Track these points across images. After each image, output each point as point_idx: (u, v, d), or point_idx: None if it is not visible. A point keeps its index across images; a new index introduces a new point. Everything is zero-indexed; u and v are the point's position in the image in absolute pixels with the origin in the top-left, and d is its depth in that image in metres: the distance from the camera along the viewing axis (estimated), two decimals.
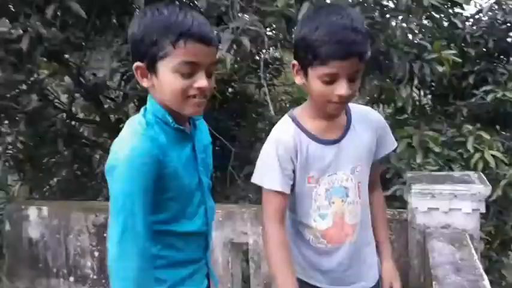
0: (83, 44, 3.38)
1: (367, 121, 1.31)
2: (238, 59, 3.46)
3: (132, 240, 1.04)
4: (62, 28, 3.12)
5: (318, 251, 1.30)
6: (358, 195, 1.28)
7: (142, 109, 1.13)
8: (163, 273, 1.14)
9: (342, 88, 1.14)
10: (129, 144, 1.04)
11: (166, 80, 1.04)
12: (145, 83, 1.08)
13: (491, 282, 3.22)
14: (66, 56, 3.56)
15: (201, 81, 1.04)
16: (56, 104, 3.78)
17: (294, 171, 1.25)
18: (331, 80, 1.14)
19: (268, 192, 1.25)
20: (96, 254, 2.71)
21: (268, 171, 1.24)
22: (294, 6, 2.73)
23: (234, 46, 2.86)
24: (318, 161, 1.25)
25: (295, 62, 1.21)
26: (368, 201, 1.35)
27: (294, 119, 1.28)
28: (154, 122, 1.08)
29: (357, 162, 1.27)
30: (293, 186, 1.27)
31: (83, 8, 2.90)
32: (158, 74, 1.05)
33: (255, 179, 1.30)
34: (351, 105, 1.31)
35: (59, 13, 3.04)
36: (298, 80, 1.22)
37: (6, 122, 3.45)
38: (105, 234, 2.67)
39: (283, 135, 1.25)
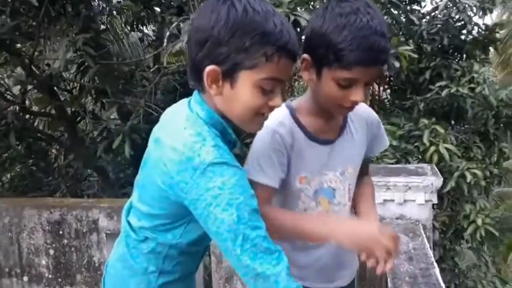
0: (36, 32, 3.22)
1: (363, 119, 1.24)
2: None
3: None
4: (12, 16, 2.97)
5: (297, 247, 1.25)
6: (348, 199, 1.22)
7: (192, 116, 0.94)
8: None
9: (358, 94, 1.06)
10: (215, 150, 0.89)
11: (244, 92, 0.90)
12: (213, 90, 0.90)
13: (445, 269, 3.39)
14: (18, 45, 3.38)
15: (278, 100, 0.93)
16: (7, 96, 3.59)
17: (287, 163, 1.17)
18: (348, 84, 1.06)
19: (257, 185, 1.15)
20: (52, 252, 2.60)
21: (255, 160, 1.15)
22: None
23: None
24: (312, 161, 1.19)
25: (306, 56, 1.09)
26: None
27: (291, 112, 1.19)
28: (214, 135, 0.92)
29: (348, 164, 1.22)
30: (282, 184, 1.18)
31: None
32: (236, 83, 0.90)
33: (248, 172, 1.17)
34: None
35: (9, 0, 2.89)
36: (306, 75, 1.12)
37: None
38: (60, 232, 2.58)
39: (280, 128, 1.15)
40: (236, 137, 1.00)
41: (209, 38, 0.87)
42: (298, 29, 2.78)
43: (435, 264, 1.58)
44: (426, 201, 1.95)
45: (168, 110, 1.03)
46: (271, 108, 0.94)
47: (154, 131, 1.01)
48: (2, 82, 3.61)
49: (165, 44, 2.96)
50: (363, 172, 1.30)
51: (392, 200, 1.98)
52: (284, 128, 1.15)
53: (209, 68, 0.88)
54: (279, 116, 1.16)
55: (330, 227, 1.10)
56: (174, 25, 2.93)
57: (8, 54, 3.38)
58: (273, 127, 1.14)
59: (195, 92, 0.98)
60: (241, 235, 0.86)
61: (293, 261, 1.15)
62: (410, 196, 1.95)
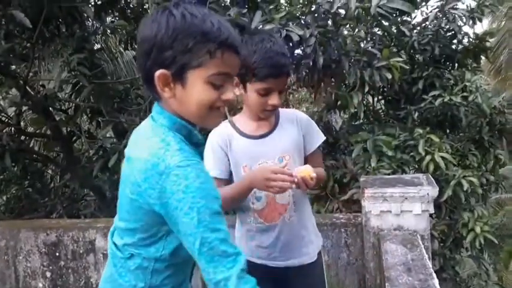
0: (30, 54, 3.24)
1: (293, 120, 1.57)
2: None
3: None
4: (6, 38, 2.98)
5: (259, 230, 1.53)
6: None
7: (156, 125, 0.98)
8: None
9: (275, 99, 1.44)
10: (182, 157, 0.91)
11: (195, 90, 0.95)
12: (166, 94, 0.95)
13: (445, 279, 3.36)
14: (12, 67, 3.39)
15: (229, 93, 0.98)
16: (2, 117, 3.59)
17: (228, 160, 1.51)
18: (266, 93, 1.43)
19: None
20: (48, 274, 2.58)
21: (205, 160, 1.46)
22: (246, 16, 2.74)
23: None
24: (248, 153, 1.50)
25: (237, 80, 1.45)
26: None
27: (230, 122, 1.56)
28: (179, 139, 0.96)
29: (284, 153, 1.51)
30: (235, 175, 1.52)
31: (29, 17, 2.78)
32: (186, 83, 0.94)
33: None
34: (280, 109, 1.58)
35: (3, 22, 2.91)
36: (237, 91, 1.46)
37: None
38: (57, 253, 2.55)
39: (217, 131, 1.53)
40: (202, 137, 1.04)
41: (154, 46, 0.92)
42: (291, 44, 2.82)
43: (434, 275, 1.57)
44: (423, 211, 1.95)
45: (135, 130, 1.07)
46: (225, 102, 0.98)
47: (126, 151, 1.04)
48: None
49: None
50: (316, 165, 1.56)
51: (389, 211, 1.98)
52: (220, 133, 1.51)
53: (158, 72, 0.93)
54: (219, 127, 1.52)
55: (244, 181, 1.44)
56: None
57: (3, 76, 3.39)
58: (211, 134, 1.52)
59: (155, 104, 1.03)
60: (200, 238, 0.87)
61: (260, 243, 1.54)
62: (407, 207, 1.95)
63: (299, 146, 1.55)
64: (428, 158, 2.93)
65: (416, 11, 3.67)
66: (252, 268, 1.50)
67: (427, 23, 3.71)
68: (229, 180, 1.53)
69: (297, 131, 1.55)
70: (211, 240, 0.87)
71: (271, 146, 1.51)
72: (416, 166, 3.01)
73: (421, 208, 1.94)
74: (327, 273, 1.65)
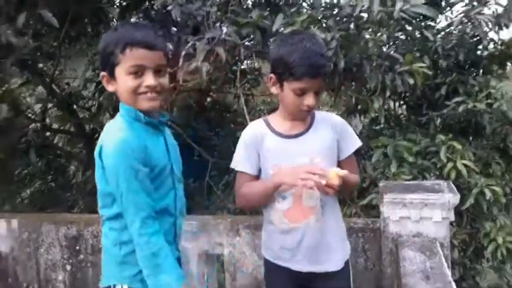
0: (57, 53, 3.33)
1: (328, 122, 1.57)
2: (216, 69, 3.47)
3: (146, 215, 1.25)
4: (34, 37, 3.07)
5: (282, 230, 1.52)
6: None
7: (116, 116, 1.34)
8: (128, 260, 1.32)
9: (310, 99, 1.44)
10: (118, 138, 1.24)
11: (122, 81, 1.27)
12: (110, 88, 1.32)
13: None
14: (39, 65, 3.50)
15: (149, 79, 1.27)
16: (28, 114, 3.70)
17: (259, 157, 1.54)
18: (302, 92, 1.44)
19: (237, 172, 1.58)
20: (68, 267, 2.64)
21: (236, 155, 1.57)
22: (268, 18, 2.76)
23: (211, 56, 2.87)
24: (279, 151, 1.52)
25: (272, 75, 1.49)
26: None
27: (265, 120, 1.59)
28: (131, 120, 1.29)
29: (315, 155, 1.50)
30: (260, 173, 1.55)
31: (56, 17, 2.86)
32: (117, 78, 1.28)
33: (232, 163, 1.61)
34: (316, 111, 1.59)
35: (31, 21, 3.00)
36: (274, 90, 1.50)
37: None
38: (77, 247, 2.61)
39: (251, 128, 1.58)
40: (148, 116, 1.32)
41: (99, 55, 1.37)
42: None
43: (453, 283, 1.54)
44: (443, 218, 1.91)
45: None
46: (148, 87, 1.27)
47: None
48: (24, 101, 3.72)
49: (180, 62, 3.01)
50: (350, 172, 1.52)
51: (409, 218, 1.95)
52: (255, 127, 1.58)
53: (101, 74, 1.32)
54: (254, 124, 1.61)
55: (272, 178, 1.48)
56: (189, 44, 2.99)
57: (30, 74, 3.50)
58: (246, 129, 1.59)
59: None
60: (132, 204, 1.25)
61: (284, 244, 1.53)
62: (426, 213, 1.92)
63: (332, 150, 1.54)
64: (450, 165, 2.87)
65: (440, 15, 3.61)
66: (276, 271, 1.56)
67: (452, 28, 3.64)
68: (257, 177, 1.56)
69: (331, 134, 1.54)
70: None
71: (303, 146, 1.51)
72: (438, 173, 2.96)
73: (441, 215, 1.90)
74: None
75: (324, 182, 1.37)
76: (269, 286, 1.64)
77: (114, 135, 1.24)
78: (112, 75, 1.28)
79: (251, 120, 3.52)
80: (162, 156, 1.33)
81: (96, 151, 1.26)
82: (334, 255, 1.53)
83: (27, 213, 3.41)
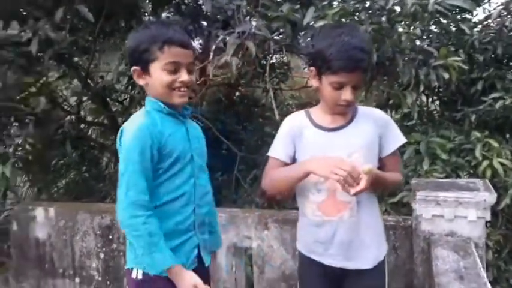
0: (92, 47, 3.42)
1: (370, 117, 1.53)
2: (245, 63, 3.48)
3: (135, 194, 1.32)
4: (70, 31, 3.17)
5: (316, 223, 1.52)
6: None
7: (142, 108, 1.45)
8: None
9: (347, 94, 1.42)
10: (135, 123, 1.35)
11: (157, 77, 1.36)
12: (141, 82, 1.40)
13: None
14: (75, 59, 3.60)
15: (183, 75, 1.36)
16: (65, 106, 3.82)
17: (295, 148, 1.55)
18: (339, 86, 1.42)
19: (269, 158, 1.59)
20: (102, 255, 2.73)
21: (274, 143, 1.59)
22: (299, 12, 2.73)
23: (241, 51, 2.88)
24: (317, 143, 1.51)
25: (312, 68, 1.48)
26: (372, 187, 1.46)
27: (306, 112, 1.59)
28: (152, 110, 1.39)
29: (354, 149, 1.47)
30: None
31: (91, 12, 2.94)
32: (151, 73, 1.36)
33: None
34: (359, 106, 1.56)
35: (68, 17, 3.09)
36: (314, 83, 1.50)
37: (15, 124, 3.50)
38: (110, 236, 2.69)
39: (292, 118, 1.59)
40: (171, 108, 1.40)
41: (128, 52, 1.42)
42: None
43: (488, 284, 1.50)
44: (478, 218, 1.86)
45: None
46: (182, 83, 1.36)
47: None
48: (60, 93, 3.85)
49: (211, 57, 3.03)
50: (391, 169, 1.55)
51: (442, 216, 1.90)
52: (295, 118, 1.58)
53: (132, 69, 1.39)
54: (294, 115, 1.61)
55: (302, 164, 1.47)
56: (220, 39, 3.01)
57: (66, 68, 3.61)
58: (287, 119, 1.60)
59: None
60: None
61: (317, 238, 1.52)
62: (461, 212, 1.87)
63: (371, 146, 1.50)
64: (485, 163, 2.78)
65: (477, 8, 3.48)
66: (309, 265, 1.56)
67: (490, 20, 3.50)
68: (288, 164, 1.56)
69: (372, 130, 1.50)
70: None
71: (341, 140, 1.48)
72: (472, 171, 2.87)
73: (476, 215, 1.85)
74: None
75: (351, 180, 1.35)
76: (302, 280, 1.63)
77: (133, 121, 1.36)
78: (145, 70, 1.37)
79: (279, 114, 3.52)
80: (182, 144, 1.40)
81: (117, 137, 1.38)
82: (367, 253, 1.50)
83: (63, 202, 3.54)
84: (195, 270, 1.39)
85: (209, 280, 1.48)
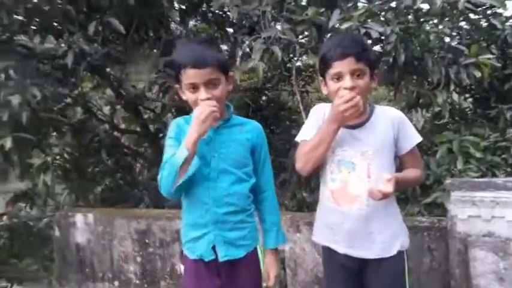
0: (123, 57, 3.54)
1: (387, 117, 1.58)
2: (271, 67, 3.51)
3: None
4: (103, 43, 3.29)
5: (329, 209, 1.61)
6: (367, 174, 1.53)
7: None
8: (183, 230, 1.63)
9: (345, 82, 1.46)
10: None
11: (186, 94, 1.54)
12: (183, 97, 1.57)
13: None
14: (108, 69, 3.73)
15: (202, 94, 1.49)
16: (99, 115, 3.96)
17: None
18: (338, 78, 1.48)
19: (299, 142, 1.66)
20: (139, 259, 2.81)
21: (304, 128, 1.66)
22: (324, 14, 2.74)
23: (267, 55, 2.91)
24: (337, 137, 1.55)
25: (321, 78, 1.56)
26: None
27: (332, 105, 1.59)
28: (190, 118, 1.57)
29: (369, 147, 1.53)
30: None
31: (122, 24, 3.05)
32: (183, 91, 1.55)
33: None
34: (376, 106, 1.63)
35: (100, 29, 3.22)
36: (324, 90, 1.58)
37: (53, 133, 3.66)
38: (146, 240, 2.78)
39: (319, 106, 1.68)
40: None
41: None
42: (370, 41, 2.76)
43: None
44: None
45: None
46: (202, 100, 1.48)
47: None
48: (95, 103, 3.99)
49: (237, 62, 3.08)
50: (410, 166, 1.59)
51: (479, 216, 1.87)
52: (321, 107, 1.66)
53: (175, 86, 1.59)
54: (323, 104, 1.69)
55: (324, 123, 1.53)
56: (246, 44, 3.06)
57: (100, 78, 3.75)
58: (314, 107, 1.69)
59: None
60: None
61: (328, 223, 1.63)
62: (498, 212, 1.83)
63: (387, 145, 1.55)
64: None
65: (508, 2, 3.38)
66: (328, 255, 1.68)
67: None
68: None
69: (388, 129, 1.56)
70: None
71: (356, 138, 1.55)
72: (509, 170, 2.79)
73: None
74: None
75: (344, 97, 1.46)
76: (324, 270, 1.75)
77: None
78: (181, 88, 1.56)
79: (307, 117, 3.51)
80: (199, 149, 1.50)
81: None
82: (375, 245, 1.55)
83: (99, 208, 3.67)
84: (212, 263, 1.56)
85: (232, 274, 1.58)
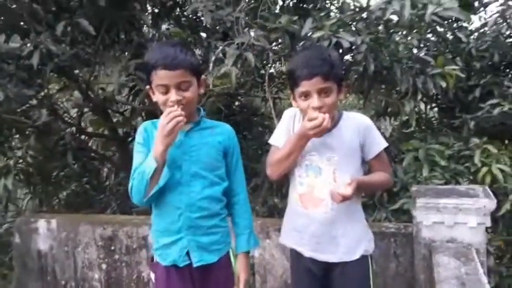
0: (92, 59, 3.45)
1: (353, 123, 1.61)
2: (244, 73, 3.51)
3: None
4: (71, 44, 3.20)
5: (297, 213, 1.64)
6: (333, 179, 1.56)
7: None
8: (153, 236, 1.62)
9: (313, 101, 1.48)
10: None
11: (156, 96, 1.53)
12: (154, 98, 1.55)
13: None
14: (76, 71, 3.63)
15: (172, 95, 1.47)
16: (66, 118, 3.84)
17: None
18: (306, 96, 1.50)
19: (271, 146, 1.70)
20: (104, 266, 2.73)
21: (275, 131, 1.69)
22: (297, 23, 2.77)
23: (240, 61, 2.91)
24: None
25: (290, 91, 1.59)
26: None
27: (301, 111, 1.64)
28: (157, 122, 1.53)
29: (333, 153, 1.57)
30: None
31: (92, 25, 2.98)
32: (154, 93, 1.54)
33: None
34: (344, 112, 1.65)
35: (69, 29, 3.13)
36: (294, 104, 1.59)
37: (16, 136, 3.51)
38: (112, 247, 2.70)
39: (290, 110, 1.69)
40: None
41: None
42: (341, 50, 2.81)
43: None
44: (479, 224, 1.88)
45: None
46: (172, 102, 1.47)
47: None
48: (61, 105, 3.87)
49: (210, 67, 3.06)
50: (377, 171, 1.62)
51: (442, 223, 1.92)
52: (293, 112, 1.67)
53: (147, 87, 1.57)
54: (294, 108, 1.66)
55: (291, 136, 1.58)
56: (219, 49, 3.04)
57: (67, 80, 3.64)
58: (286, 110, 1.71)
59: None
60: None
61: (294, 226, 1.66)
62: (461, 219, 1.88)
63: (352, 151, 1.59)
64: (484, 169, 2.80)
65: (473, 16, 3.53)
66: (295, 258, 1.68)
67: (486, 28, 3.55)
68: None
69: (354, 135, 1.59)
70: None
71: (322, 144, 1.58)
72: (471, 178, 2.89)
73: (476, 221, 1.87)
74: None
75: (312, 119, 1.48)
76: (291, 273, 1.77)
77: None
78: (152, 90, 1.54)
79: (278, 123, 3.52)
80: (170, 153, 1.51)
81: None
82: (338, 249, 1.58)
83: (64, 213, 3.54)
84: (185, 269, 1.55)
85: (205, 279, 1.57)
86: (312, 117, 1.47)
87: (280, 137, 1.66)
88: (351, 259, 1.58)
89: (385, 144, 1.63)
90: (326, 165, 1.57)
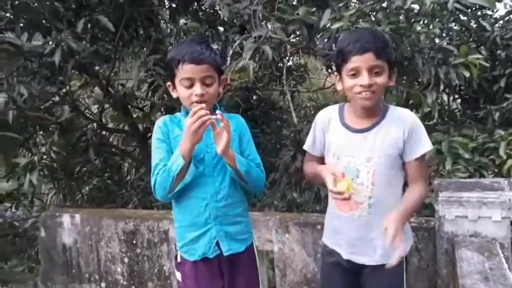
0: (112, 55, 3.50)
1: (400, 120, 1.48)
2: (262, 66, 3.50)
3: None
4: (91, 41, 3.26)
5: (334, 215, 1.61)
6: (372, 182, 1.48)
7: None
8: (178, 233, 1.63)
9: (362, 78, 1.39)
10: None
11: (179, 91, 1.56)
12: (174, 95, 1.61)
13: None
14: (96, 67, 3.69)
15: (197, 89, 1.51)
16: (87, 114, 3.92)
17: (325, 140, 1.60)
18: (355, 73, 1.41)
19: (306, 152, 1.71)
20: (126, 260, 2.78)
21: (308, 137, 1.68)
22: (315, 14, 2.74)
23: (257, 54, 2.90)
24: (340, 142, 1.53)
25: (336, 73, 1.51)
26: (391, 191, 1.51)
27: (340, 107, 1.60)
28: (180, 116, 1.64)
29: (374, 154, 1.47)
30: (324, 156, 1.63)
31: (111, 21, 3.02)
32: (177, 88, 1.57)
33: None
34: (391, 106, 1.53)
35: (89, 27, 3.18)
36: (339, 86, 1.51)
37: (40, 132, 3.60)
38: (134, 241, 2.74)
39: (324, 112, 1.62)
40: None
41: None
42: None
43: None
44: (503, 218, 1.82)
45: None
46: (196, 96, 1.51)
47: None
48: (82, 102, 3.94)
49: (228, 61, 3.06)
50: (412, 178, 1.52)
51: (465, 217, 1.87)
52: (328, 112, 1.61)
53: (167, 83, 1.62)
54: (328, 108, 1.63)
55: (323, 170, 1.53)
56: (237, 43, 3.04)
57: (88, 76, 3.70)
58: (319, 113, 1.63)
59: None
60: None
61: (333, 227, 1.63)
62: (485, 213, 1.83)
63: (395, 151, 1.47)
64: (510, 161, 2.71)
65: (498, 3, 3.41)
66: (325, 251, 1.68)
67: (511, 16, 3.42)
68: (320, 157, 1.65)
69: (398, 134, 1.46)
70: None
71: (362, 143, 1.48)
72: (496, 170, 2.81)
73: (501, 215, 1.81)
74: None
75: (334, 189, 1.43)
76: (321, 269, 1.78)
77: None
78: (174, 86, 1.57)
79: (297, 117, 3.51)
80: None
81: None
82: (376, 252, 1.53)
83: (87, 208, 3.62)
84: (215, 260, 1.58)
85: (233, 273, 1.61)
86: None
87: (312, 145, 1.65)
88: (385, 259, 1.50)
89: (429, 146, 1.51)
90: (364, 166, 1.48)
